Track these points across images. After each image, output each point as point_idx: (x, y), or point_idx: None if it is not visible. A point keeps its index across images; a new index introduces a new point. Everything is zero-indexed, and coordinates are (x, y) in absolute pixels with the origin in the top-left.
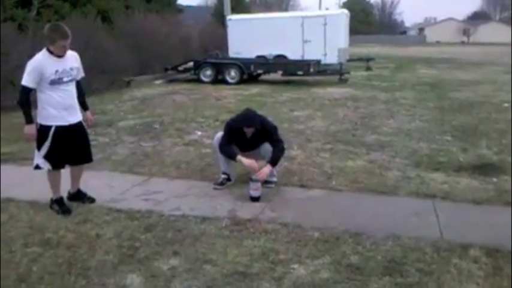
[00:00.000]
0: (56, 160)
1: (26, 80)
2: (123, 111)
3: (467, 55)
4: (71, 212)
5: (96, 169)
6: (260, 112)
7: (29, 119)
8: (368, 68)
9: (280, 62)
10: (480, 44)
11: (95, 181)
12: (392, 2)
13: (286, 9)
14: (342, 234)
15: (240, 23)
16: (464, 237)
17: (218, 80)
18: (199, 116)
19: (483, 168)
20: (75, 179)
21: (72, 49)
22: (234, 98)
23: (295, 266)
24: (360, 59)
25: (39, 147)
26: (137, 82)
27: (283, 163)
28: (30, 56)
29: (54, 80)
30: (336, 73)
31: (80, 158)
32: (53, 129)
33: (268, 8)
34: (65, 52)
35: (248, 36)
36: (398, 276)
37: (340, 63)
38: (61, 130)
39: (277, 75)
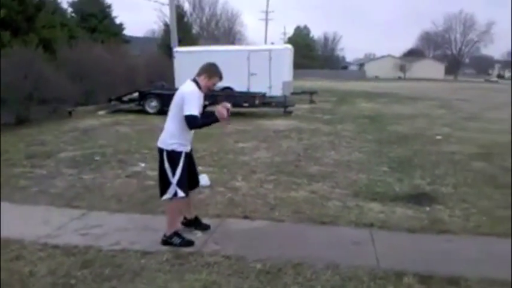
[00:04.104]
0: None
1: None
2: (63, 142)
3: (404, 90)
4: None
5: (32, 203)
6: (205, 144)
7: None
8: (311, 101)
9: (226, 94)
10: (415, 80)
11: (30, 216)
12: (334, 39)
13: (233, 43)
14: (283, 265)
15: (187, 55)
16: (399, 265)
17: (164, 111)
18: (143, 148)
19: (417, 198)
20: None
21: (11, 78)
22: None
23: None
24: (303, 92)
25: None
26: (80, 112)
27: (227, 194)
28: None
29: None
30: (281, 105)
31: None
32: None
33: (215, 41)
34: None
35: (195, 68)
36: None
37: (285, 96)
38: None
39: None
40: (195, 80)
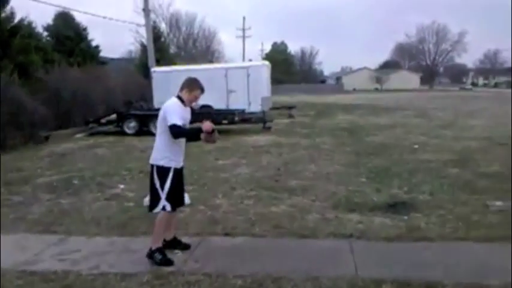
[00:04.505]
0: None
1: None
2: (40, 167)
3: (381, 101)
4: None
5: (9, 231)
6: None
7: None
8: (290, 116)
9: (205, 112)
10: (392, 91)
11: (7, 244)
12: (311, 53)
13: (211, 61)
14: (263, 280)
15: (165, 74)
16: (377, 274)
17: (143, 131)
18: (122, 169)
19: (395, 207)
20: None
21: None
22: None
23: None
24: (282, 107)
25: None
26: (57, 137)
27: (207, 212)
28: None
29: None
30: (260, 121)
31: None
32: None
33: (193, 60)
34: None
35: (173, 87)
36: None
37: (263, 112)
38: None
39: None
40: (178, 96)
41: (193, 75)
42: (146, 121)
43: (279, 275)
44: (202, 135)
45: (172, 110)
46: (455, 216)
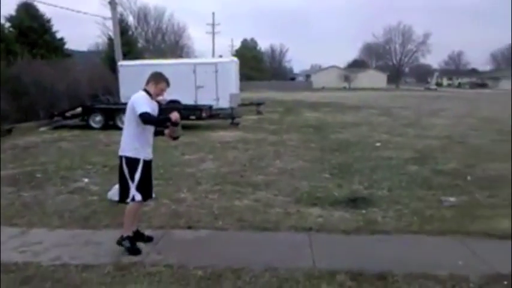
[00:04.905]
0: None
1: None
2: (2, 160)
3: (348, 99)
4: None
5: None
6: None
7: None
8: (259, 112)
9: (173, 107)
10: (359, 89)
11: None
12: (281, 50)
13: (181, 56)
14: (223, 271)
15: (132, 68)
16: (333, 265)
17: (109, 125)
18: (86, 163)
19: (354, 202)
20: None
21: None
22: None
23: None
24: (251, 104)
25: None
26: (20, 130)
27: (171, 206)
28: None
29: None
30: (228, 117)
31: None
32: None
33: (162, 54)
34: None
35: (140, 81)
36: None
37: (232, 108)
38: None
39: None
40: (144, 90)
41: (161, 70)
42: (112, 115)
43: (239, 266)
44: (166, 131)
45: (141, 101)
46: (411, 210)
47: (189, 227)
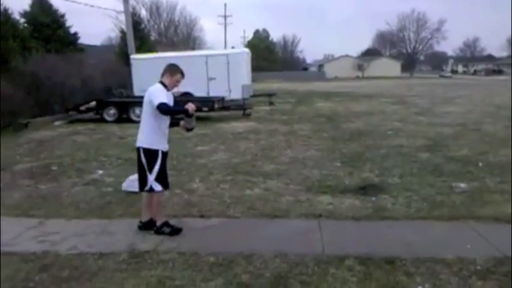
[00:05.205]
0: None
1: None
2: (19, 154)
3: (361, 88)
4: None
5: None
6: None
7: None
8: (271, 103)
9: (186, 99)
10: (373, 78)
11: None
12: (293, 41)
13: (193, 48)
14: (235, 257)
15: (144, 62)
16: (342, 250)
17: (123, 118)
18: (101, 156)
19: (365, 189)
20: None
21: None
22: None
23: None
24: (263, 95)
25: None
26: (36, 124)
27: (184, 196)
28: None
29: None
30: (240, 108)
31: None
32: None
33: (174, 47)
34: None
35: (153, 74)
36: None
37: (244, 99)
38: None
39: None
40: (160, 82)
41: (173, 62)
42: (126, 108)
43: (250, 253)
44: (181, 122)
45: (158, 92)
46: (421, 197)
47: (201, 216)
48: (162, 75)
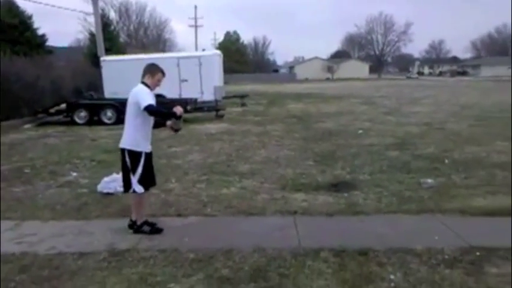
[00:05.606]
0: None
1: None
2: None
3: (331, 90)
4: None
5: None
6: None
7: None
8: (243, 104)
9: (158, 101)
10: (342, 79)
11: None
12: (264, 43)
13: (163, 50)
14: (214, 253)
15: (115, 63)
16: (318, 244)
17: (94, 121)
18: (74, 158)
19: (337, 186)
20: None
21: None
22: (111, 138)
23: (172, 285)
24: (235, 96)
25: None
26: (4, 127)
27: (161, 196)
28: None
29: None
30: (213, 110)
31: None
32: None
33: (144, 49)
34: None
35: (124, 76)
36: (263, 281)
37: (216, 101)
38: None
39: None
40: (142, 82)
41: (144, 64)
42: (97, 111)
43: (229, 248)
44: (168, 123)
45: (144, 94)
46: (390, 193)
47: (179, 215)
48: (143, 76)
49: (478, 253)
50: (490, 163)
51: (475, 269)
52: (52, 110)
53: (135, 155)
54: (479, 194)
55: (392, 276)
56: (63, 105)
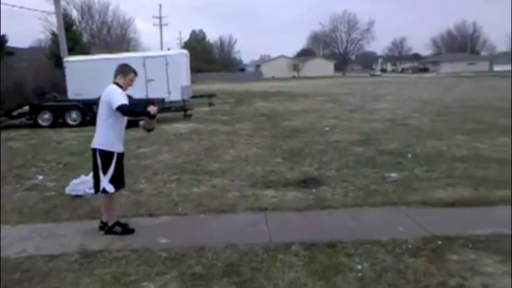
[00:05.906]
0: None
1: None
2: None
3: (297, 88)
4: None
5: None
6: None
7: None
8: (211, 104)
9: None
10: (308, 78)
11: None
12: (230, 42)
13: (128, 50)
14: (187, 251)
15: (79, 64)
16: (288, 238)
17: (58, 123)
18: (39, 161)
19: (306, 182)
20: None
21: None
22: (76, 140)
23: (145, 283)
24: (202, 96)
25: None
26: None
27: (131, 196)
28: None
29: None
30: (180, 109)
31: None
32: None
33: (108, 48)
34: None
35: (88, 77)
36: (236, 276)
37: (184, 100)
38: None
39: None
40: (115, 83)
41: (109, 64)
42: (61, 112)
43: (202, 246)
44: (141, 123)
45: (116, 93)
46: (356, 187)
47: (150, 215)
48: (115, 76)
49: (439, 242)
50: (450, 156)
51: (437, 257)
52: (14, 113)
53: (107, 155)
54: (440, 186)
55: (359, 267)
56: (26, 108)
